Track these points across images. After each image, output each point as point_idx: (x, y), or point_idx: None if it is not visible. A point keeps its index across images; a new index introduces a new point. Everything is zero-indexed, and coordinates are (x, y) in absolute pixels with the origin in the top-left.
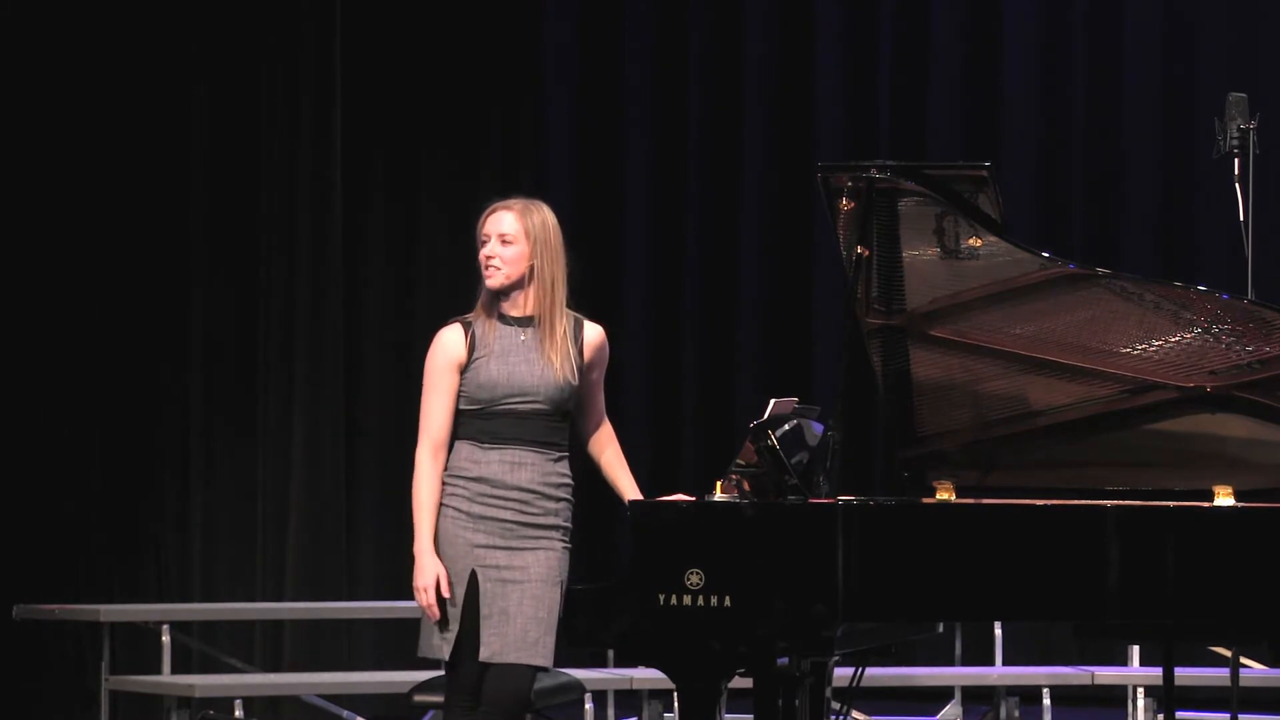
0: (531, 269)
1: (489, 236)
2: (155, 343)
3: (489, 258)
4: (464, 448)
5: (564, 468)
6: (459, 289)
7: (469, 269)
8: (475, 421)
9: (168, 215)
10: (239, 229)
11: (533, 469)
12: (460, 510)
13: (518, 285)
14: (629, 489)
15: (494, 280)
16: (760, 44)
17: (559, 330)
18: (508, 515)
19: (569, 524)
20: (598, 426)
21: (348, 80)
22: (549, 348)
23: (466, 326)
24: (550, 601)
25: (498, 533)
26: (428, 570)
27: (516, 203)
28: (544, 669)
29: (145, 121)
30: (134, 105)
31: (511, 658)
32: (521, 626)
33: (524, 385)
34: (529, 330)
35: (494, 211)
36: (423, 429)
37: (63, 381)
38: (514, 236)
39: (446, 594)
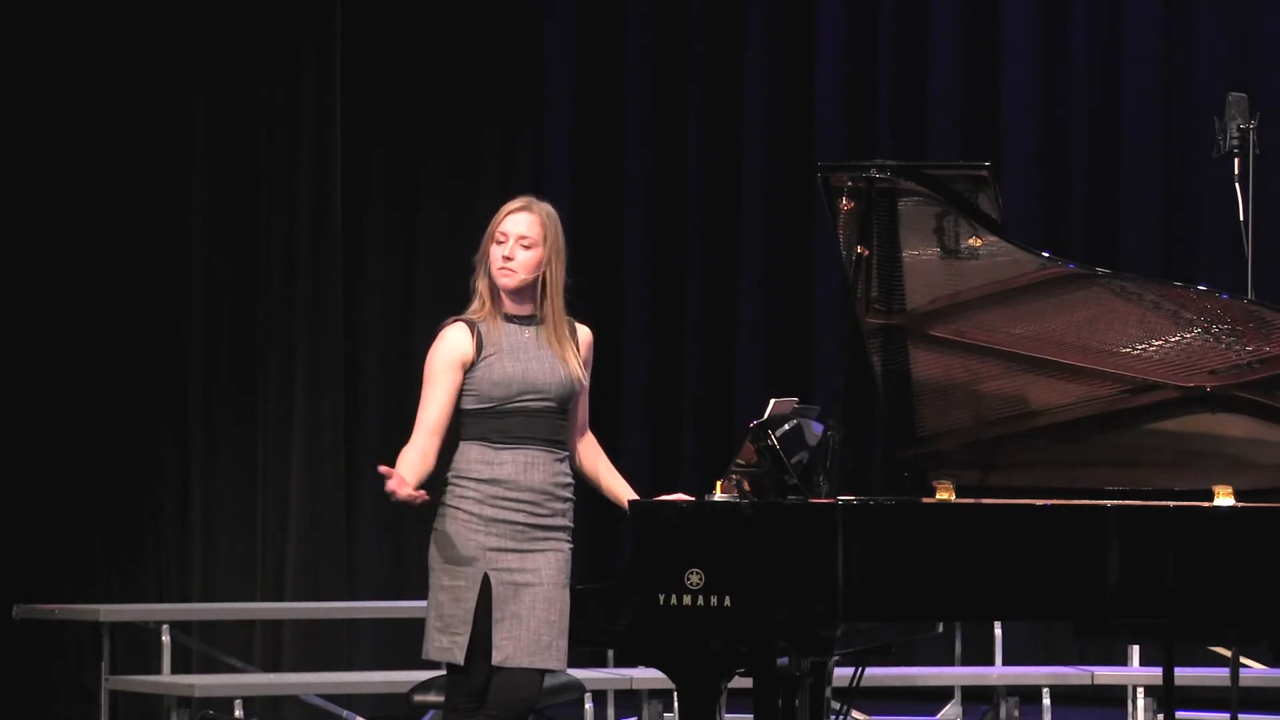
0: (543, 273)
1: (507, 236)
2: (156, 342)
3: (508, 259)
4: (473, 449)
5: (567, 467)
6: (459, 289)
7: (468, 269)
8: (487, 420)
9: (168, 215)
10: (239, 229)
11: (544, 469)
12: (471, 513)
13: (528, 286)
14: (625, 492)
15: (509, 281)
16: (760, 45)
17: (564, 329)
18: (519, 518)
19: (572, 524)
20: (583, 433)
21: (348, 81)
22: (557, 346)
23: (471, 326)
24: (561, 604)
25: (509, 535)
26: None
27: (532, 203)
28: (556, 672)
29: (146, 121)
30: (134, 105)
31: (524, 662)
32: (534, 630)
33: (537, 382)
34: (533, 329)
35: (514, 211)
36: (418, 422)
37: (63, 381)
38: (533, 240)
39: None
